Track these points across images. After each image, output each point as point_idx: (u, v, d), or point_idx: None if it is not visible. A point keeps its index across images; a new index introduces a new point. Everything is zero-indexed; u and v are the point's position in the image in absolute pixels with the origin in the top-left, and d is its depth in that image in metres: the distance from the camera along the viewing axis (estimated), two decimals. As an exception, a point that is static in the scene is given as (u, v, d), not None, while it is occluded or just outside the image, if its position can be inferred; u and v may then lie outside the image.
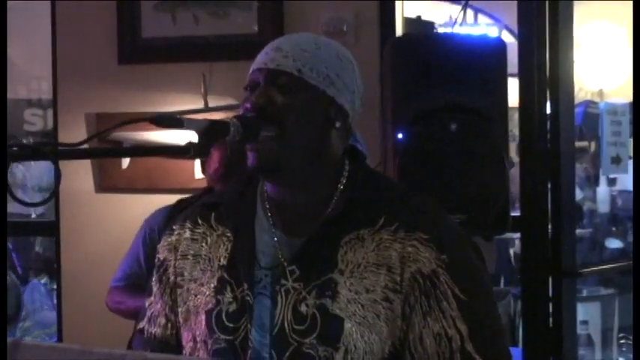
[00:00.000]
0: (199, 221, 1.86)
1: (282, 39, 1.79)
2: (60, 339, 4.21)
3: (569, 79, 3.87)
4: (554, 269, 3.80)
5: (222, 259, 1.79)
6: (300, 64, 1.72)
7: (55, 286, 6.31)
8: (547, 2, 3.76)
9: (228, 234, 1.81)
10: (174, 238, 1.88)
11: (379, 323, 1.68)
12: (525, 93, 3.77)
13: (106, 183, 4.06)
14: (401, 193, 1.80)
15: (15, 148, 1.57)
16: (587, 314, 5.19)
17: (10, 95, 9.01)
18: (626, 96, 5.15)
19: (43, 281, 6.46)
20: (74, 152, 1.72)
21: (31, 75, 8.82)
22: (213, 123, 1.69)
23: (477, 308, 1.70)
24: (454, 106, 3.22)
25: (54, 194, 1.53)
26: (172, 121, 1.66)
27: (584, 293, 5.40)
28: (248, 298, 1.73)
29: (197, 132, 1.68)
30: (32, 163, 6.77)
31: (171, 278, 1.86)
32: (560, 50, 3.79)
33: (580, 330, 4.63)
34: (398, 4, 3.89)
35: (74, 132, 3.99)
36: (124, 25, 4.05)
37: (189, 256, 1.84)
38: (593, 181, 6.44)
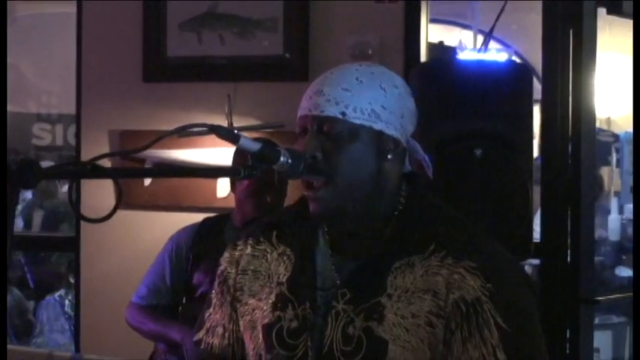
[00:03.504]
0: (261, 239, 1.90)
1: (323, 78, 1.78)
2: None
3: (591, 107, 3.87)
4: (572, 296, 3.80)
5: (281, 277, 1.84)
6: (343, 107, 1.73)
7: (66, 302, 6.30)
8: (571, 30, 3.77)
9: (289, 253, 1.85)
10: (237, 253, 1.93)
11: (423, 348, 1.70)
12: (548, 120, 3.78)
13: (128, 200, 4.06)
14: (452, 221, 1.81)
15: (75, 167, 1.59)
16: (599, 342, 5.16)
17: (19, 109, 9.03)
18: (632, 124, 5.15)
19: (57, 296, 6.39)
20: (130, 172, 1.74)
21: (40, 89, 8.82)
22: (266, 146, 1.70)
23: (518, 340, 1.70)
24: (479, 132, 3.23)
25: (115, 211, 1.54)
26: (230, 134, 1.67)
27: (596, 321, 5.38)
28: (309, 317, 1.77)
29: (250, 153, 1.69)
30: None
31: (231, 290, 1.91)
32: (583, 78, 3.80)
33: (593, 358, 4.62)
34: (422, 29, 3.90)
35: (98, 149, 3.97)
36: (150, 44, 4.07)
37: (248, 272, 1.89)
38: (604, 209, 6.44)
